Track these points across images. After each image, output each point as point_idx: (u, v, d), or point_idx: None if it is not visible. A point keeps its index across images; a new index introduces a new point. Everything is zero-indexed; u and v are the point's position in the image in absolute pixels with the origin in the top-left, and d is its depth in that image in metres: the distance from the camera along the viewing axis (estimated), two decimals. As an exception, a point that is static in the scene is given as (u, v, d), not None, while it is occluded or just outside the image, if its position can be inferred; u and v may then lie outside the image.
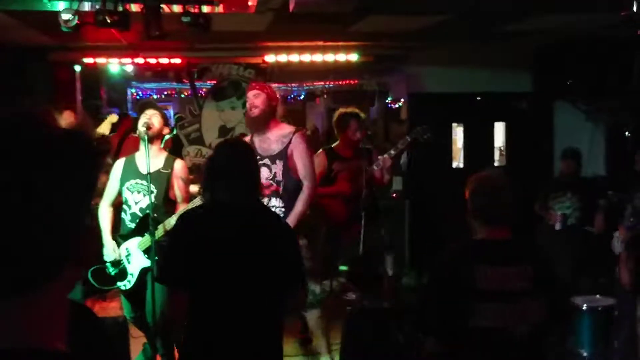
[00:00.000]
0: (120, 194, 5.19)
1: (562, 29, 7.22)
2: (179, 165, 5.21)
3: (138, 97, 13.92)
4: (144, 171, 4.96)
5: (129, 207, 5.11)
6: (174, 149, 8.27)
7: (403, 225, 7.84)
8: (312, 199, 5.07)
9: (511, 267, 2.97)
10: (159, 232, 4.83)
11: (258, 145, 5.08)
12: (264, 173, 4.92)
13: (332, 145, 6.39)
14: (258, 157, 4.85)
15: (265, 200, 4.92)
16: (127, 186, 5.11)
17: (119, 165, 5.26)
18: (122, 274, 5.08)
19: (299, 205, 4.93)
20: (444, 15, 6.43)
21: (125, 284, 5.10)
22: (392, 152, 6.18)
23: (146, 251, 4.93)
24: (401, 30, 7.34)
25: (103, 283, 5.17)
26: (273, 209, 4.85)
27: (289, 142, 5.05)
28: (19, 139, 1.04)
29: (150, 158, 4.89)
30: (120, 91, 12.51)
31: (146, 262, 4.94)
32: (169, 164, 5.15)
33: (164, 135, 5.34)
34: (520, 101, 8.96)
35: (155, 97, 14.09)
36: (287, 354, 5.62)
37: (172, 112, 14.68)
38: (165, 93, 14.02)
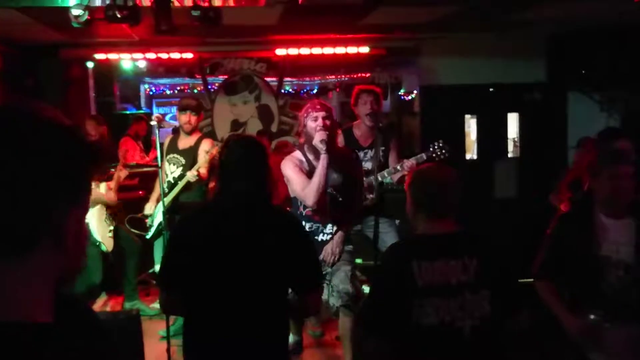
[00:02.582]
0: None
1: (575, 17, 7.17)
2: (205, 142, 6.18)
3: (151, 93, 13.95)
4: (180, 147, 6.18)
5: (167, 175, 6.16)
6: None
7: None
8: None
9: (452, 260, 2.89)
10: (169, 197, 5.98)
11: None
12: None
13: (352, 124, 6.18)
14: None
15: None
16: (168, 158, 6.18)
17: (166, 141, 6.33)
18: (150, 227, 6.31)
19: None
20: (455, 6, 6.40)
21: (148, 234, 6.35)
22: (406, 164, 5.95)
23: (169, 210, 5.78)
24: (412, 22, 7.32)
25: (135, 229, 6.48)
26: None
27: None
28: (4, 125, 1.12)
29: (187, 139, 6.19)
30: (133, 87, 12.54)
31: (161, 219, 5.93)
32: (198, 142, 6.15)
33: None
34: (533, 92, 8.90)
35: (168, 92, 14.11)
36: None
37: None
38: (178, 88, 13.99)
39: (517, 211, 8.34)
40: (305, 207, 4.70)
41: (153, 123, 5.46)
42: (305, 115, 4.70)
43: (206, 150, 6.01)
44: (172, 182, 6.10)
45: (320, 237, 4.76)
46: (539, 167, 8.44)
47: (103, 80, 9.86)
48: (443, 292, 2.84)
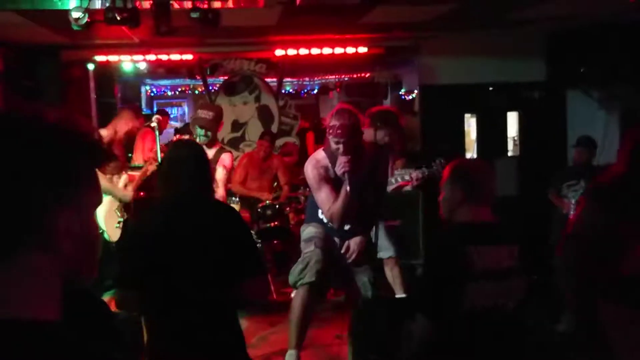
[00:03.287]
0: None
1: (574, 16, 7.18)
2: (224, 156, 5.82)
3: (152, 94, 13.99)
4: None
5: None
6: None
7: (417, 217, 7.82)
8: None
9: (500, 246, 3.07)
10: None
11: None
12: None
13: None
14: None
15: None
16: None
17: None
18: None
19: None
20: (454, 4, 6.41)
21: None
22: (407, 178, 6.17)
23: None
24: (412, 21, 7.33)
25: None
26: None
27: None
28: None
29: (209, 148, 5.63)
30: (134, 89, 12.58)
31: None
32: (217, 155, 5.79)
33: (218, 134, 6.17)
34: (533, 90, 8.91)
35: (169, 93, 14.17)
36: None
37: (186, 109, 14.76)
38: (179, 90, 14.07)
39: (517, 209, 8.36)
40: None
41: (153, 125, 5.46)
42: (328, 131, 4.63)
43: (225, 165, 5.80)
44: None
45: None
46: (539, 165, 8.45)
47: (104, 82, 9.87)
48: (495, 275, 3.00)
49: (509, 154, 9.12)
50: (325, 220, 4.81)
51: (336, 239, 4.87)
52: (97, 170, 1.28)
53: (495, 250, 3.03)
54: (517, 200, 8.59)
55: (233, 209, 3.72)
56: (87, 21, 5.19)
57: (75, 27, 5.23)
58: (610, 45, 7.69)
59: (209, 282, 3.11)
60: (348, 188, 4.50)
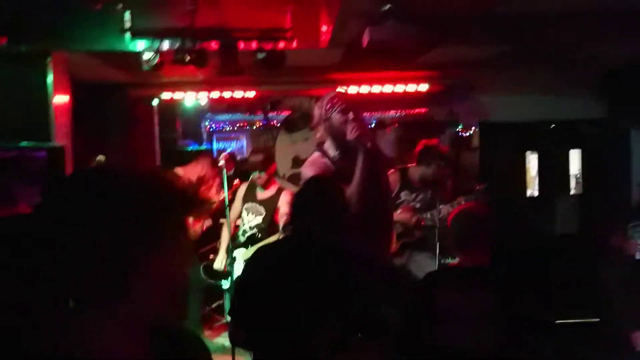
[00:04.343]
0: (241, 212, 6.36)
1: (634, 53, 7.09)
2: (285, 194, 6.14)
3: (211, 130, 14.18)
4: (259, 197, 6.25)
5: (244, 223, 6.30)
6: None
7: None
8: None
9: (477, 291, 3.09)
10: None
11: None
12: None
13: (409, 166, 6.50)
14: None
15: None
16: (245, 207, 6.31)
17: (242, 189, 6.50)
18: (227, 275, 6.16)
19: None
20: (511, 44, 6.42)
21: (226, 283, 6.33)
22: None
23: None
24: (470, 59, 7.34)
25: (211, 277, 6.45)
26: None
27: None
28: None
29: (265, 189, 6.28)
30: (195, 123, 12.77)
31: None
32: (278, 193, 6.21)
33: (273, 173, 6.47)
34: (594, 128, 8.80)
35: (228, 128, 14.35)
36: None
37: (244, 142, 14.94)
38: (238, 125, 14.24)
39: (579, 248, 8.22)
40: None
41: (221, 164, 5.58)
42: (329, 107, 4.05)
43: (287, 202, 5.75)
44: (248, 230, 6.21)
45: None
46: (602, 204, 8.31)
47: (166, 117, 10.07)
48: (465, 319, 3.02)
49: (571, 192, 8.99)
50: None
51: None
52: (185, 219, 1.33)
53: (468, 295, 3.06)
54: (578, 240, 8.46)
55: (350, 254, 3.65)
56: (157, 62, 5.35)
57: (145, 68, 5.39)
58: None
59: (325, 321, 3.05)
60: (365, 152, 3.84)
